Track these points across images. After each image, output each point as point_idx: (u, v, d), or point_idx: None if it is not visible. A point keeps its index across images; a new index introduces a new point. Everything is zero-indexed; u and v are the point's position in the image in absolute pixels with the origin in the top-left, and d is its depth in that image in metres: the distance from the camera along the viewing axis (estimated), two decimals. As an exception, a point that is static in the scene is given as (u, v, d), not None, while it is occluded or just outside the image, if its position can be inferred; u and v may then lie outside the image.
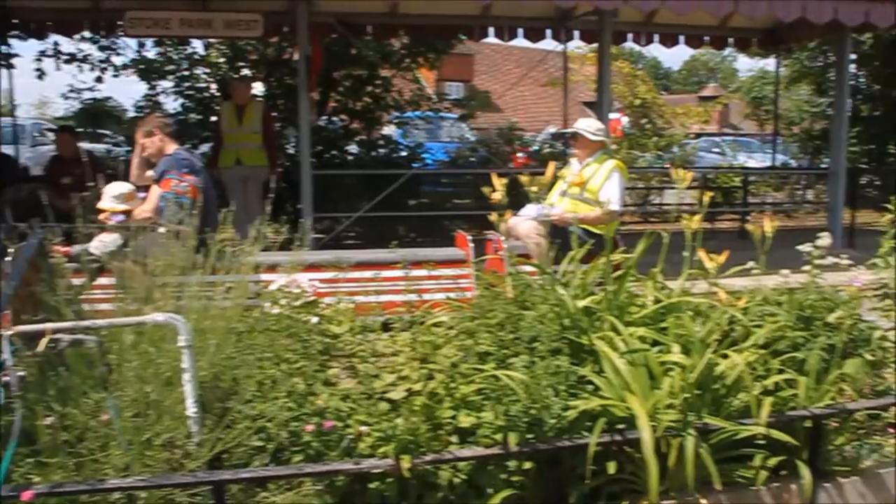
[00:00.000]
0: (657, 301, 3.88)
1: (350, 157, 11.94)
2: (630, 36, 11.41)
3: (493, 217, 4.09)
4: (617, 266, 4.11)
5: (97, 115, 12.89)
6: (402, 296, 3.80)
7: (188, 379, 2.86)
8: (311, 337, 3.37)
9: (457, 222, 10.68)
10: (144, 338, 2.99)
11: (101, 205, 5.81)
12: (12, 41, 10.40)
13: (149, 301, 3.48)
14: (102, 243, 5.38)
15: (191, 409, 2.87)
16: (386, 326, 3.60)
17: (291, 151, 11.32)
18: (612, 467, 3.14)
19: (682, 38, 11.54)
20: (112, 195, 5.76)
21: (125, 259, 4.50)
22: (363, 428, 2.85)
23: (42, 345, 2.74)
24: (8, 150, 10.72)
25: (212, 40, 11.77)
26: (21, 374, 2.71)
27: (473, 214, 10.15)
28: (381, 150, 12.18)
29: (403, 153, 12.35)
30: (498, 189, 3.94)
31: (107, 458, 2.76)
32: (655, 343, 3.52)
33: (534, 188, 4.00)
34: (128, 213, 5.79)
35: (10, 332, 2.77)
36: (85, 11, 9.67)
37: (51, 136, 17.60)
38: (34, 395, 2.76)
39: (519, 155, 12.89)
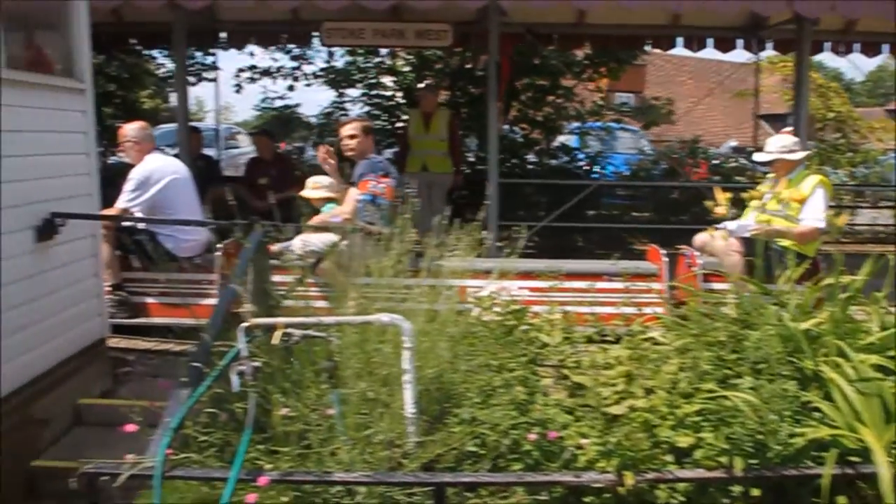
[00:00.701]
0: (884, 327, 3.61)
1: (529, 167, 11.92)
2: (828, 45, 10.78)
3: (709, 231, 3.93)
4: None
5: (287, 121, 13.53)
6: (611, 308, 3.72)
7: (409, 380, 2.90)
8: (522, 346, 3.35)
9: (637, 235, 10.46)
10: (367, 337, 3.06)
11: (303, 193, 6.07)
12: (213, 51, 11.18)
13: (348, 300, 3.59)
14: (305, 243, 5.61)
15: (409, 409, 2.91)
16: (594, 337, 3.54)
17: (472, 159, 11.44)
18: (842, 501, 2.93)
19: (885, 48, 10.79)
20: (314, 185, 6.02)
21: (327, 258, 4.67)
22: (584, 441, 2.80)
23: (276, 338, 2.86)
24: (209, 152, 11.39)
25: (398, 50, 12.12)
26: (256, 364, 2.83)
27: (654, 228, 9.89)
28: (560, 160, 12.12)
29: (583, 163, 12.23)
30: (721, 203, 3.78)
31: (330, 451, 2.84)
32: (887, 371, 3.28)
33: (753, 201, 3.81)
34: (331, 200, 6.04)
35: (246, 325, 2.91)
36: (285, 23, 10.14)
37: (241, 139, 18.68)
38: (267, 386, 2.88)
39: (697, 169, 12.48)
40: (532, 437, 2.77)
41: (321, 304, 3.64)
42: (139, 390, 4.69)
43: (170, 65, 13.49)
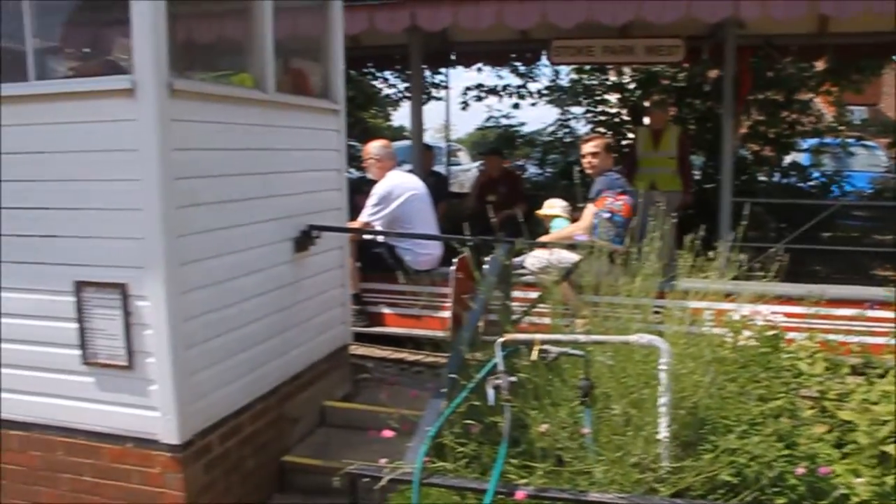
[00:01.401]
0: None
1: (761, 185, 11.36)
2: None
3: None
4: None
5: (510, 139, 13.73)
6: (880, 338, 3.45)
7: (664, 403, 2.83)
8: (778, 373, 3.17)
9: (877, 260, 9.69)
10: (622, 357, 3.02)
11: (539, 212, 6.13)
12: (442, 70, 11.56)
13: (586, 318, 3.55)
14: (537, 259, 5.65)
15: (663, 433, 2.84)
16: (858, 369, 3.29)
17: (697, 177, 11.07)
18: None
19: None
20: (550, 205, 6.07)
21: (560, 275, 4.66)
22: (857, 480, 2.60)
23: (533, 354, 2.88)
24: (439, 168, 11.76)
25: (624, 67, 11.98)
26: (512, 379, 2.87)
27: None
28: (792, 178, 11.46)
29: (816, 181, 11.48)
30: None
31: (583, 470, 2.82)
32: None
33: None
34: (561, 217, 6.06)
35: (502, 339, 2.96)
36: (513, 42, 10.30)
37: (461, 156, 19.17)
38: (521, 402, 2.91)
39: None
40: (800, 471, 2.61)
41: (574, 321, 3.63)
42: (377, 397, 4.91)
43: (399, 85, 14.10)
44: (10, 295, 3.96)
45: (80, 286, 3.75)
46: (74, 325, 3.80)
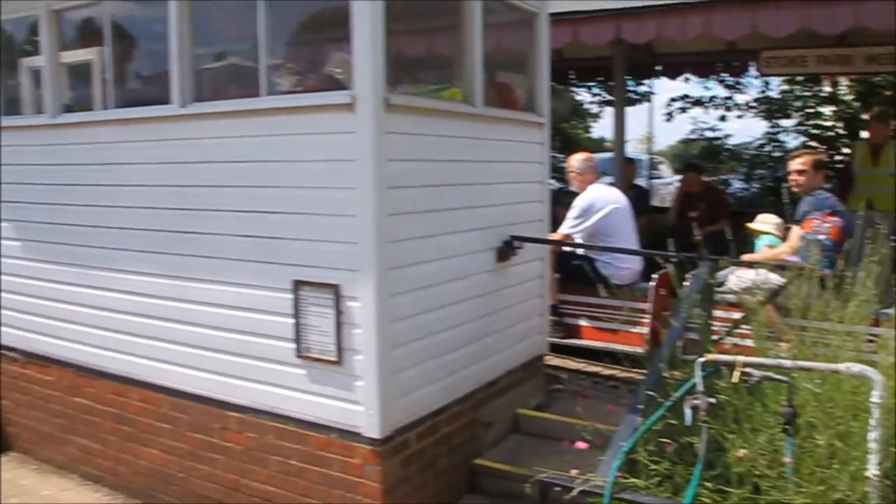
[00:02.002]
0: None
1: None
2: None
3: None
4: None
5: (715, 152, 13.30)
6: None
7: (875, 438, 2.67)
8: None
9: None
10: (830, 386, 2.89)
11: (751, 225, 5.93)
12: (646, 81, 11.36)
13: (788, 343, 3.39)
14: (740, 279, 5.46)
15: (873, 470, 2.68)
16: None
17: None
18: None
19: None
20: (763, 220, 5.86)
21: (765, 296, 4.48)
22: None
23: (735, 376, 2.82)
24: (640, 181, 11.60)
25: (840, 77, 11.30)
26: (711, 400, 2.82)
27: None
28: None
29: None
30: None
31: (781, 501, 2.72)
32: None
33: None
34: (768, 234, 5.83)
35: (703, 359, 2.92)
36: (720, 53, 9.99)
37: (662, 169, 18.74)
38: (719, 423, 2.85)
39: None
40: None
41: (779, 345, 3.50)
42: (570, 408, 4.93)
43: (601, 96, 14.02)
44: (236, 290, 4.34)
45: (298, 285, 4.05)
46: (291, 321, 4.11)
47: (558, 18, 6.64)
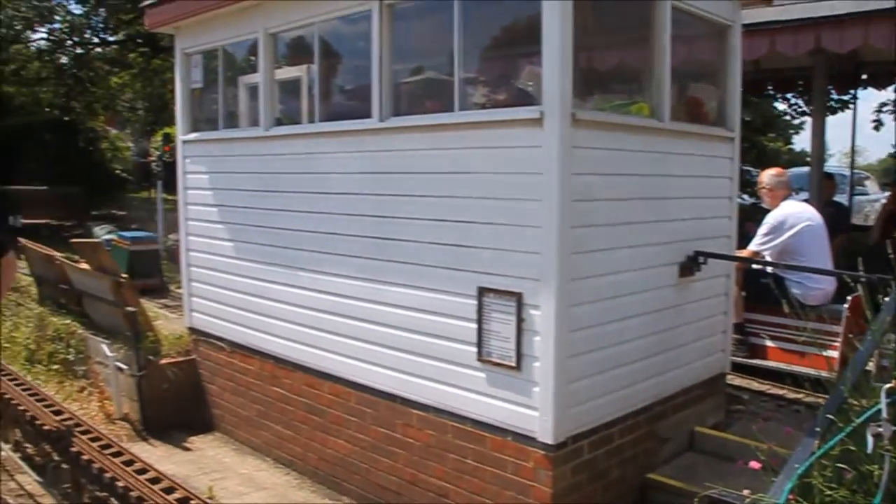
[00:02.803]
0: None
1: None
2: None
3: None
4: None
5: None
6: None
7: None
8: None
9: None
10: None
11: None
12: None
13: None
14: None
15: None
16: None
17: None
18: None
19: None
20: None
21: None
22: None
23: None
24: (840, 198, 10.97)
25: None
26: (895, 428, 2.71)
27: None
28: None
29: None
30: None
31: None
32: None
33: None
34: None
35: (888, 385, 2.81)
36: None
37: (868, 185, 17.57)
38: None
39: None
40: None
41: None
42: (749, 430, 4.79)
43: (801, 108, 13.37)
44: (425, 294, 4.58)
45: (482, 291, 4.23)
46: (474, 326, 4.29)
47: (754, 29, 6.47)
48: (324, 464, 5.56)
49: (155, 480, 4.94)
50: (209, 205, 6.54)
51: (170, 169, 14.08)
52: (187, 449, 6.39)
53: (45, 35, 15.40)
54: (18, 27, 14.53)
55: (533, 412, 4.09)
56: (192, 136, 6.78)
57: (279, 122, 5.85)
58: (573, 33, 3.85)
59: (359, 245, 4.99)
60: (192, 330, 6.99)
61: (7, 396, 6.43)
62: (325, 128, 5.30)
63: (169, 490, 4.81)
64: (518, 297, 4.05)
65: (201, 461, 6.12)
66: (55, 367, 7.85)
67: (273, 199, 5.74)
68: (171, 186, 14.17)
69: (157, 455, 5.85)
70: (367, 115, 4.86)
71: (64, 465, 5.71)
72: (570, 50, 3.84)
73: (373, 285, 4.91)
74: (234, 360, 6.41)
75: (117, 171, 20.33)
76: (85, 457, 5.29)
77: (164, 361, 6.78)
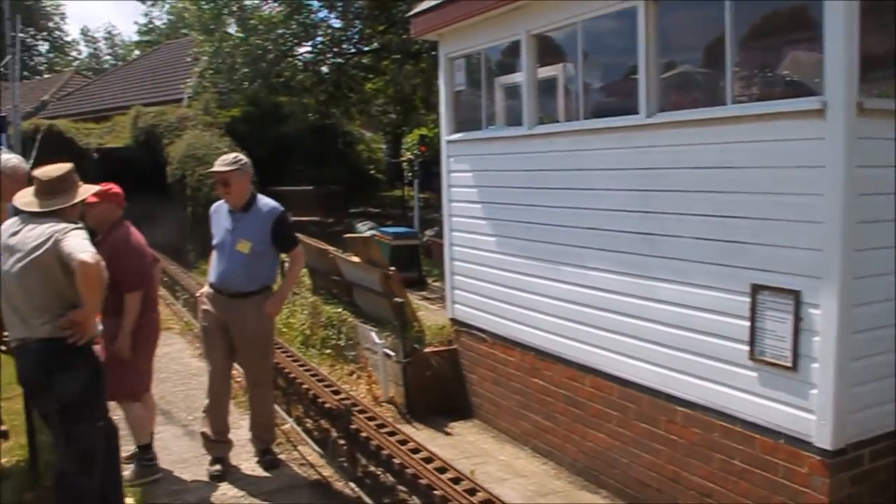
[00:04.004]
0: None
1: None
2: None
3: None
4: None
5: None
6: None
7: None
8: None
9: None
10: None
11: None
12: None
13: None
14: None
15: None
16: None
17: None
18: None
19: None
20: None
21: None
22: None
23: None
24: None
25: None
26: None
27: None
28: None
29: None
30: None
31: None
32: None
33: None
34: None
35: None
36: None
37: None
38: None
39: None
40: None
41: None
42: None
43: None
44: (693, 290, 4.54)
45: (756, 289, 4.13)
46: (746, 324, 4.19)
47: None
48: (582, 456, 5.64)
49: (428, 460, 5.24)
50: (472, 201, 6.83)
51: (423, 168, 14.82)
52: (448, 434, 6.71)
53: (309, 48, 16.63)
54: (290, 44, 15.79)
55: (809, 415, 3.94)
56: (457, 136, 7.11)
57: (540, 121, 6.02)
58: (859, 20, 3.66)
59: (623, 240, 5.04)
60: (454, 321, 7.33)
61: (291, 376, 7.05)
62: (590, 125, 5.38)
63: (441, 470, 5.09)
64: (796, 296, 3.92)
65: (461, 446, 6.41)
66: (327, 351, 8.48)
67: (536, 196, 5.91)
68: (423, 185, 14.90)
69: (420, 437, 6.18)
70: (630, 112, 4.89)
71: (341, 441, 6.17)
72: (857, 36, 3.66)
73: (638, 280, 4.94)
74: (494, 351, 6.65)
75: (371, 171, 21.46)
76: (363, 434, 5.71)
77: (427, 350, 7.16)
